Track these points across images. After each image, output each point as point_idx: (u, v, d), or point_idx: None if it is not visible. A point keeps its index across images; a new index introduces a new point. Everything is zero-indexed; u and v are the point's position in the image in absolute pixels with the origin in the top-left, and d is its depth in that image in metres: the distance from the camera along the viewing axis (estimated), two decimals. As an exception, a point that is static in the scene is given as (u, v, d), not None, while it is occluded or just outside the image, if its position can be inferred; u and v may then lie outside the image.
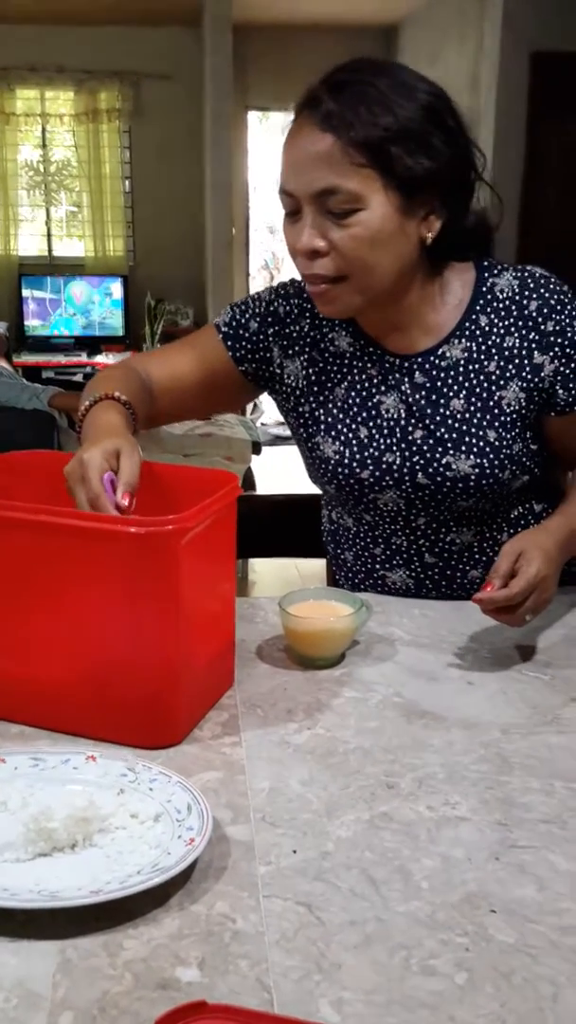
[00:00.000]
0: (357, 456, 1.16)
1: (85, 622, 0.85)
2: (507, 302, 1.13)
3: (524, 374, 1.12)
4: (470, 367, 1.13)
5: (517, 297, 1.13)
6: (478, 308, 1.14)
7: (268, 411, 6.02)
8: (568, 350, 1.11)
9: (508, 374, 1.12)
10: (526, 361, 1.12)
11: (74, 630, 0.86)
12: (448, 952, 0.62)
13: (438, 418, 1.13)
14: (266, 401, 5.53)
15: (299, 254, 1.05)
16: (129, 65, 5.70)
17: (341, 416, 1.17)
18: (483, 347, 1.13)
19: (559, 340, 1.11)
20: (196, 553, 0.84)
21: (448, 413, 1.13)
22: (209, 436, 3.33)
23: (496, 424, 1.12)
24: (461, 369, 1.13)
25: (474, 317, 1.14)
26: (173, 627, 0.84)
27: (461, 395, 1.13)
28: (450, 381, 1.14)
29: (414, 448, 1.14)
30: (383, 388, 1.16)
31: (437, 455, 1.13)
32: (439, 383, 1.14)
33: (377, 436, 1.15)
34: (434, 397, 1.14)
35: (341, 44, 5.66)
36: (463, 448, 1.12)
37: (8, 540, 0.86)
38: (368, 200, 1.01)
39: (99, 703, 0.86)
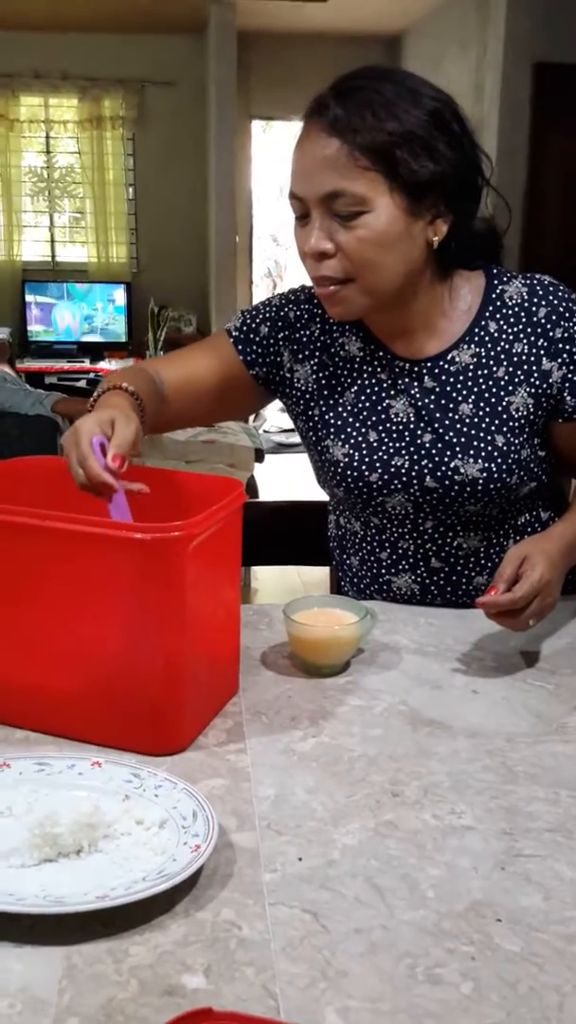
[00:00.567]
0: (366, 459, 1.17)
1: (90, 628, 0.85)
2: (516, 309, 1.15)
3: (532, 380, 1.13)
4: (479, 372, 1.14)
5: (526, 304, 1.14)
6: (487, 314, 1.15)
7: (271, 419, 6.03)
8: None
9: (516, 380, 1.14)
10: (534, 367, 1.13)
11: (79, 636, 0.86)
12: (454, 961, 0.62)
13: (447, 422, 1.14)
14: (269, 408, 5.54)
15: (307, 256, 1.07)
16: (133, 73, 5.72)
17: (350, 419, 1.18)
18: (492, 353, 1.15)
19: (567, 347, 1.13)
20: (202, 560, 0.84)
21: (457, 417, 1.14)
22: (212, 443, 3.33)
23: (504, 429, 1.13)
24: (470, 374, 1.15)
25: (483, 323, 1.15)
26: (178, 634, 0.84)
27: (470, 400, 1.14)
28: (459, 386, 1.15)
29: (423, 452, 1.15)
30: (392, 392, 1.17)
31: (446, 459, 1.13)
32: (448, 388, 1.15)
33: (386, 439, 1.16)
34: (443, 401, 1.15)
35: (344, 53, 5.68)
36: (471, 452, 1.13)
37: (14, 546, 0.86)
38: (374, 203, 1.02)
39: (104, 709, 0.86)
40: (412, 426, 1.16)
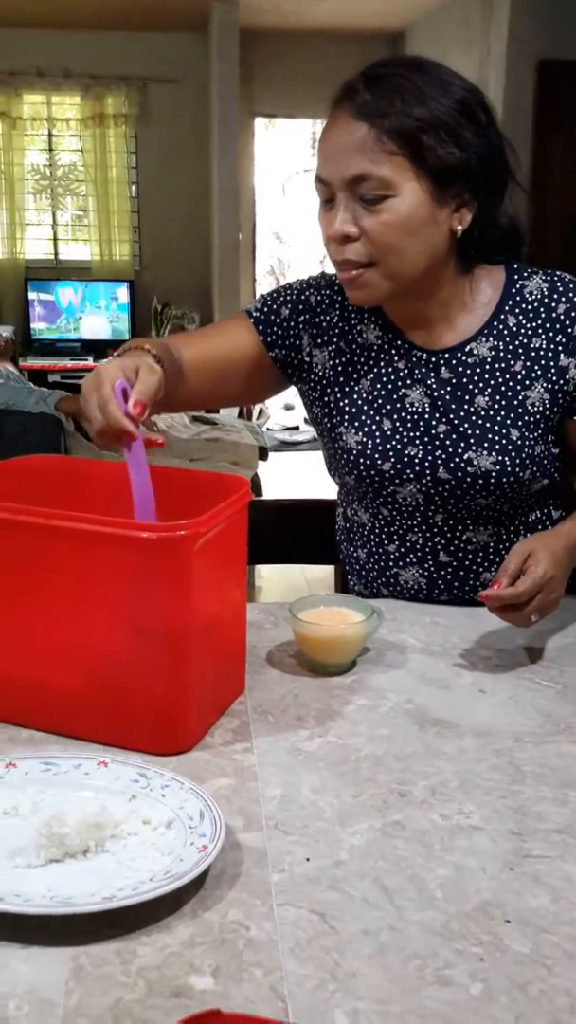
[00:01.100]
0: (380, 448, 1.17)
1: (96, 627, 0.85)
2: (535, 304, 1.15)
3: (550, 376, 1.14)
4: (496, 366, 1.15)
5: (546, 300, 1.15)
6: (507, 309, 1.16)
7: (274, 416, 6.03)
8: None
9: (534, 375, 1.14)
10: (552, 363, 1.14)
11: (85, 635, 0.86)
12: (463, 962, 0.62)
13: (462, 414, 1.14)
14: (272, 407, 5.54)
15: (331, 240, 1.08)
16: (136, 70, 5.72)
17: (365, 407, 1.19)
18: (510, 347, 1.15)
19: None
20: (208, 558, 0.84)
21: (472, 410, 1.14)
22: (216, 441, 3.32)
23: (520, 423, 1.13)
24: (487, 367, 1.15)
25: (502, 317, 1.16)
26: (185, 632, 0.84)
27: (486, 393, 1.15)
28: (476, 378, 1.15)
29: (437, 442, 1.15)
30: (409, 382, 1.17)
31: (459, 450, 1.14)
32: (465, 379, 1.15)
33: (400, 429, 1.16)
34: (459, 393, 1.15)
35: (347, 51, 5.67)
36: (485, 445, 1.13)
37: (19, 544, 0.86)
38: (399, 187, 1.03)
39: (110, 708, 0.86)
40: (427, 416, 1.16)
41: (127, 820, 0.73)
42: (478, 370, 1.15)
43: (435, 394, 1.16)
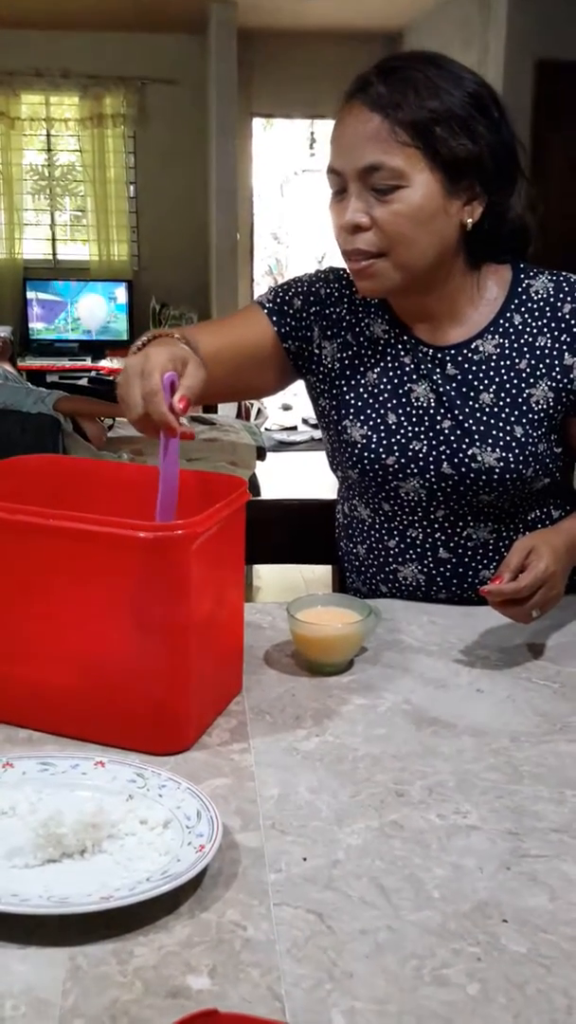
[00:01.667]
0: (384, 441, 1.17)
1: (94, 627, 0.85)
2: (541, 303, 1.16)
3: (554, 374, 1.15)
4: (501, 363, 1.16)
5: (552, 299, 1.16)
6: (513, 307, 1.17)
7: (272, 417, 6.03)
8: None
9: (538, 373, 1.15)
10: (556, 362, 1.15)
11: (83, 635, 0.86)
12: (460, 962, 0.62)
13: (467, 410, 1.15)
14: (270, 407, 5.54)
15: (342, 229, 1.09)
16: (134, 71, 5.71)
17: (371, 401, 1.19)
18: (515, 345, 1.16)
19: None
20: (205, 558, 0.84)
21: (477, 406, 1.15)
22: (214, 441, 3.32)
23: (524, 421, 1.14)
24: (493, 364, 1.16)
25: (508, 315, 1.17)
26: (182, 632, 0.84)
27: (491, 389, 1.15)
28: (481, 375, 1.16)
29: (441, 438, 1.15)
30: (415, 377, 1.18)
31: (464, 446, 1.14)
32: (470, 376, 1.16)
33: (405, 423, 1.17)
34: (464, 389, 1.16)
35: (345, 51, 5.67)
36: (490, 441, 1.13)
37: (16, 544, 0.86)
38: (411, 178, 1.04)
39: (107, 708, 0.86)
40: (432, 411, 1.16)
41: (124, 820, 0.73)
42: (483, 367, 1.16)
43: (440, 390, 1.16)
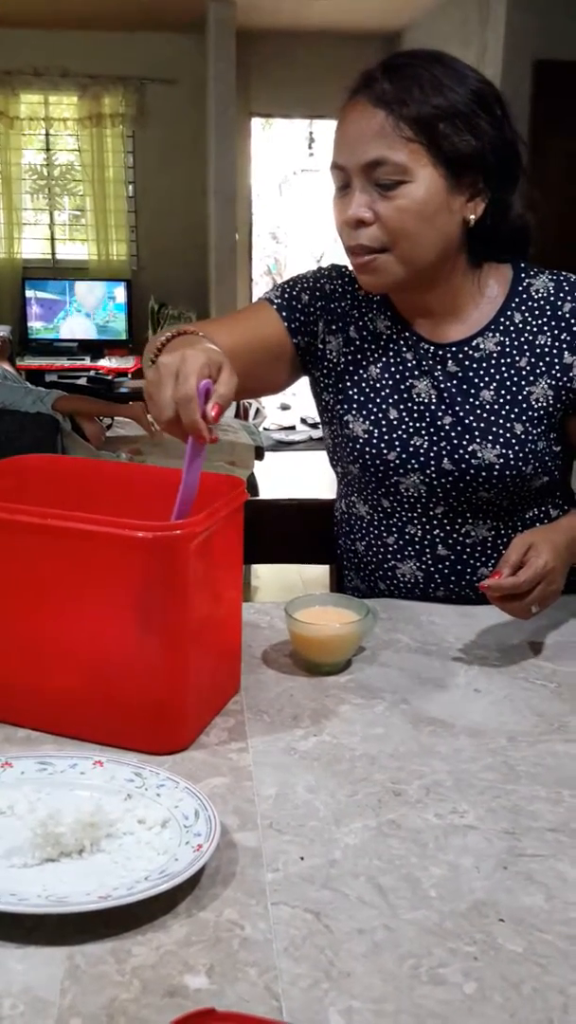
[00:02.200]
0: (385, 437, 1.18)
1: (92, 626, 0.85)
2: (542, 302, 1.17)
3: (554, 372, 1.16)
4: (502, 360, 1.16)
5: (552, 298, 1.17)
6: (513, 305, 1.18)
7: (271, 416, 6.03)
8: None
9: (538, 371, 1.16)
10: (556, 360, 1.16)
11: (81, 634, 0.86)
12: (457, 961, 0.62)
13: (467, 406, 1.16)
14: (268, 407, 5.54)
15: (346, 224, 1.09)
16: (133, 70, 5.71)
17: (373, 396, 1.20)
18: (516, 343, 1.17)
19: None
20: (204, 558, 0.84)
21: (477, 403, 1.16)
22: (212, 441, 3.32)
23: (524, 418, 1.15)
24: (493, 362, 1.17)
25: (509, 313, 1.18)
26: (180, 632, 0.84)
27: (492, 386, 1.16)
28: (482, 372, 1.17)
29: (442, 434, 1.16)
30: (416, 373, 1.19)
31: (464, 442, 1.15)
32: (471, 373, 1.17)
33: (406, 418, 1.18)
34: (465, 386, 1.17)
35: (344, 51, 5.67)
36: (490, 438, 1.14)
37: (15, 544, 0.86)
38: (415, 173, 1.05)
39: (106, 708, 0.86)
40: (433, 408, 1.17)
41: (122, 819, 0.73)
42: (484, 364, 1.17)
43: (441, 386, 1.17)
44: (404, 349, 1.20)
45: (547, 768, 0.84)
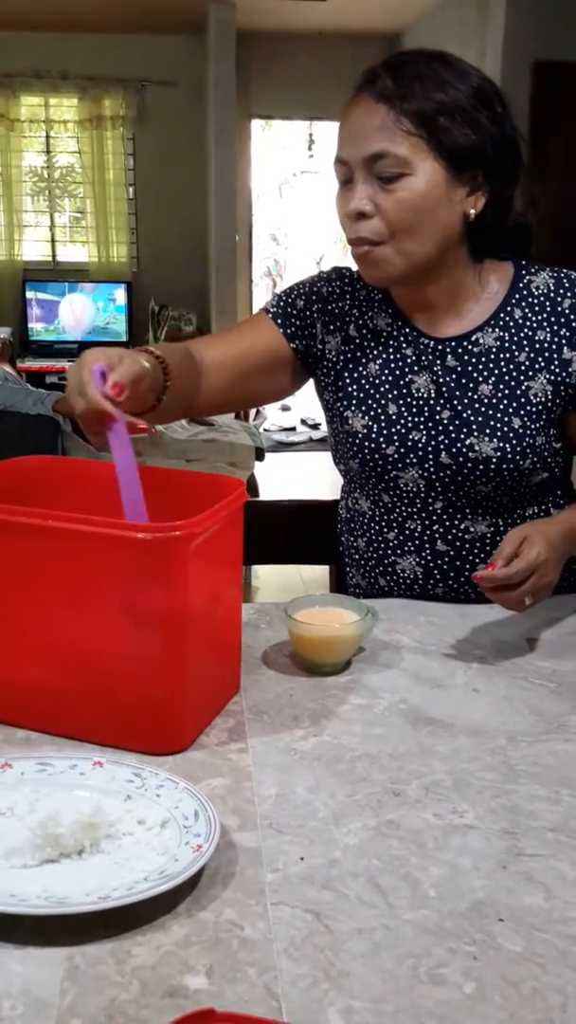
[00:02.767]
0: (384, 431, 1.19)
1: (92, 627, 0.85)
2: (542, 298, 1.18)
3: (553, 367, 1.16)
4: (501, 355, 1.17)
5: (552, 294, 1.18)
6: (513, 302, 1.19)
7: (271, 417, 6.03)
8: None
9: (537, 366, 1.17)
10: (555, 355, 1.17)
11: (81, 635, 0.86)
12: (456, 961, 0.62)
13: (466, 401, 1.17)
14: (269, 408, 5.54)
15: (348, 217, 1.11)
16: (133, 72, 5.72)
17: (372, 391, 1.21)
18: (515, 338, 1.18)
19: None
20: (203, 559, 0.84)
21: (476, 397, 1.17)
22: (212, 442, 3.33)
23: (522, 412, 1.16)
24: (492, 356, 1.18)
25: (509, 309, 1.18)
26: (180, 633, 0.84)
27: (490, 381, 1.17)
28: (480, 367, 1.18)
29: (440, 428, 1.17)
30: (416, 368, 1.20)
31: (462, 436, 1.16)
32: (470, 368, 1.18)
33: (405, 413, 1.19)
34: (464, 381, 1.18)
35: (343, 52, 5.67)
36: (488, 431, 1.15)
37: (15, 545, 0.86)
38: (415, 166, 1.06)
39: (105, 708, 0.86)
40: (432, 402, 1.18)
41: (122, 820, 0.73)
42: (483, 359, 1.18)
43: (440, 381, 1.18)
44: (404, 345, 1.21)
45: (546, 768, 0.84)
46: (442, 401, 1.17)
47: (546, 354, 1.17)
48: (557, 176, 4.50)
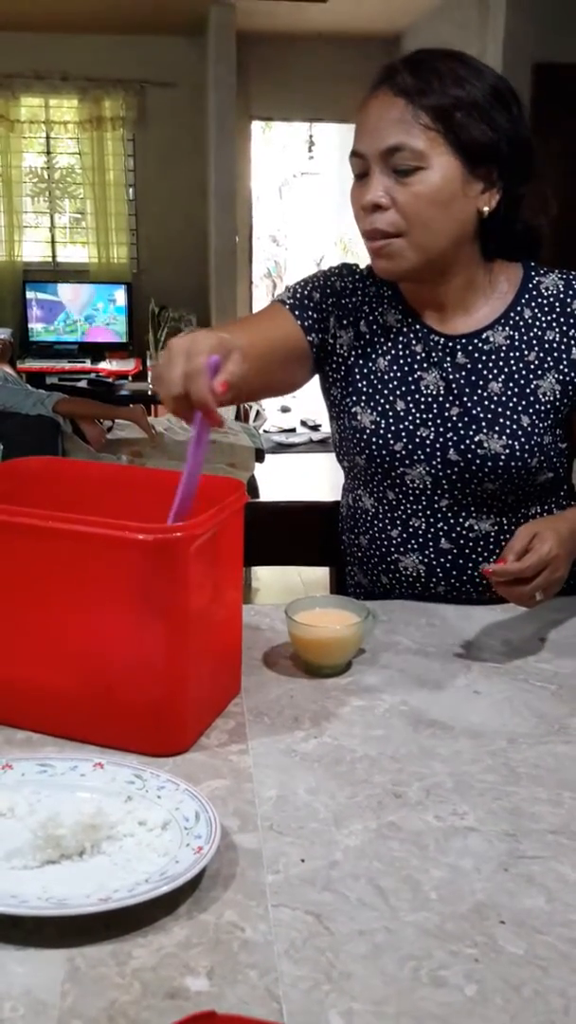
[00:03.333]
0: (392, 428, 1.19)
1: (93, 629, 0.85)
2: (551, 299, 1.19)
3: (561, 367, 1.17)
4: (511, 354, 1.18)
5: (561, 295, 1.19)
6: (523, 301, 1.20)
7: (271, 419, 6.03)
8: None
9: (546, 365, 1.18)
10: (564, 355, 1.18)
11: (82, 637, 0.86)
12: (458, 963, 0.62)
13: (475, 398, 1.17)
14: (269, 409, 5.55)
15: (363, 209, 1.12)
16: (133, 73, 5.72)
17: (381, 388, 1.21)
18: (525, 337, 1.19)
19: None
20: (204, 560, 0.84)
21: (485, 394, 1.17)
22: (212, 443, 3.33)
23: (531, 411, 1.17)
24: (502, 355, 1.18)
25: (519, 309, 1.20)
26: (181, 634, 0.84)
27: (500, 379, 1.18)
28: (490, 364, 1.18)
29: (448, 424, 1.17)
30: (425, 365, 1.20)
31: (471, 433, 1.16)
32: (480, 365, 1.19)
33: (414, 410, 1.19)
34: (473, 378, 1.18)
35: (343, 54, 5.68)
36: (496, 428, 1.16)
37: (16, 547, 0.86)
38: (431, 160, 1.08)
39: (106, 710, 0.86)
40: (441, 399, 1.18)
41: (123, 821, 0.73)
42: (493, 357, 1.18)
43: (450, 378, 1.19)
44: (414, 341, 1.21)
45: (547, 770, 0.84)
46: (451, 398, 1.18)
47: (555, 354, 1.18)
48: (556, 178, 4.51)
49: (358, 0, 5.00)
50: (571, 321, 1.18)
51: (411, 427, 1.19)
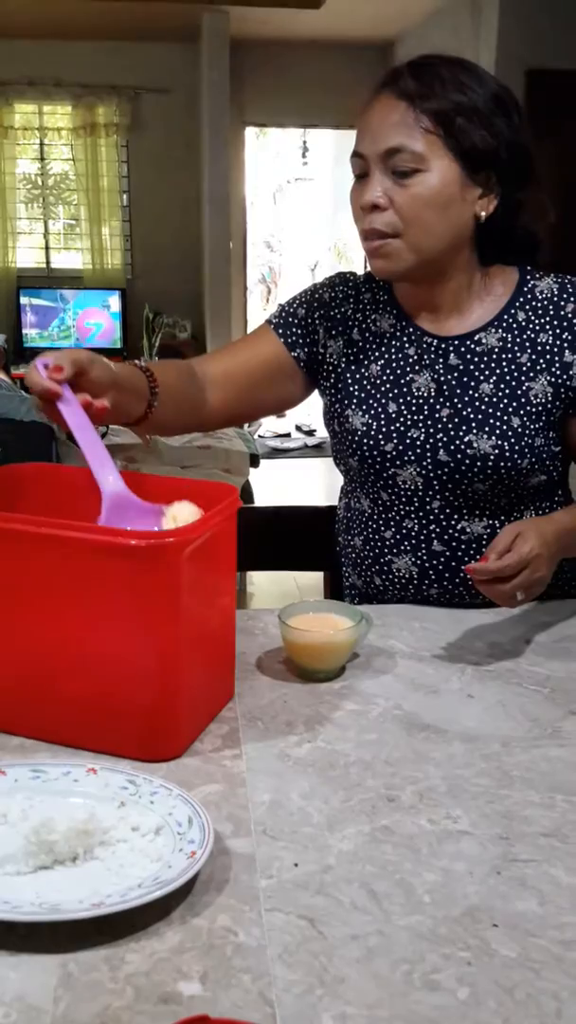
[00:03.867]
0: (383, 429, 1.20)
1: (86, 634, 0.85)
2: (545, 302, 1.20)
3: (554, 370, 1.18)
4: (503, 356, 1.19)
5: (555, 299, 1.20)
6: (517, 305, 1.21)
7: (266, 423, 6.03)
8: None
9: (539, 367, 1.18)
10: (556, 358, 1.18)
11: (74, 642, 0.86)
12: (451, 967, 0.62)
13: (466, 399, 1.18)
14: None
15: (362, 209, 1.13)
16: (127, 80, 5.73)
17: (372, 391, 1.23)
18: (518, 339, 1.19)
19: None
20: (197, 565, 0.84)
21: (476, 395, 1.18)
22: (207, 448, 3.33)
23: (521, 412, 1.17)
24: (494, 356, 1.19)
25: (512, 311, 1.20)
26: (174, 639, 0.84)
27: (491, 380, 1.19)
28: (482, 366, 1.19)
29: (439, 425, 1.18)
30: (417, 367, 1.21)
31: (461, 433, 1.17)
32: (471, 367, 1.19)
33: (405, 411, 1.20)
34: (465, 379, 1.19)
35: (337, 61, 5.70)
36: (487, 429, 1.17)
37: (8, 553, 0.86)
38: (431, 163, 1.09)
39: (99, 715, 0.86)
40: (432, 400, 1.19)
41: (116, 827, 0.73)
42: (485, 359, 1.19)
43: (441, 379, 1.19)
44: (406, 344, 1.22)
45: (540, 773, 0.85)
46: (442, 399, 1.19)
47: (547, 356, 1.18)
48: (549, 183, 4.52)
49: (351, 7, 5.02)
50: (564, 324, 1.18)
51: (402, 428, 1.20)
